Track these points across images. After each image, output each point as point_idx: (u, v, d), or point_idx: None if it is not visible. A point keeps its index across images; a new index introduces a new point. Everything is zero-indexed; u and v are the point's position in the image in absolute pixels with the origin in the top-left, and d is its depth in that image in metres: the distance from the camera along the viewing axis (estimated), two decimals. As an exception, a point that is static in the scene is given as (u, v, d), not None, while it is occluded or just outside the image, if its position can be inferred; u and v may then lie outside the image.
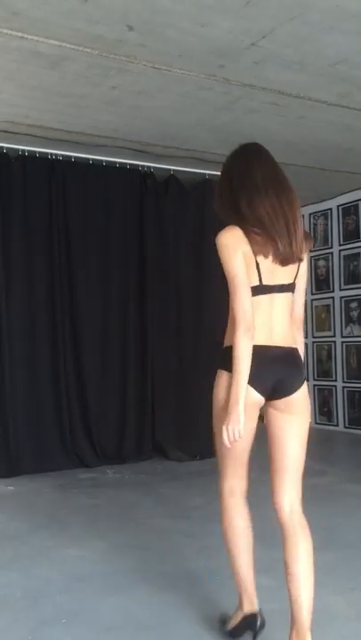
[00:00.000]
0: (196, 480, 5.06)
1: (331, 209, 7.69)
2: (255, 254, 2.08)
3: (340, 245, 7.60)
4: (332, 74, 4.16)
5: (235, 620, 2.31)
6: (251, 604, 2.28)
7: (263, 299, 2.11)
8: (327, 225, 7.76)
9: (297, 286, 2.20)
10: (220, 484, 2.29)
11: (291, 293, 2.18)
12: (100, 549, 3.38)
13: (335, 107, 4.72)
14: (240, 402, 2.03)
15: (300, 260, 2.16)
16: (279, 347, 2.13)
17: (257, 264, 2.09)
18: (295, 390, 2.13)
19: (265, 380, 2.09)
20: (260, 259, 2.09)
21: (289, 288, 2.17)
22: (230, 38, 3.66)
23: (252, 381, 2.05)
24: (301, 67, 4.04)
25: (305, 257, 2.19)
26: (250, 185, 2.18)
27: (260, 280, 2.10)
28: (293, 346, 2.17)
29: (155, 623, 2.49)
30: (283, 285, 2.14)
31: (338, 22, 3.50)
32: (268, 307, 2.12)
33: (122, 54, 3.84)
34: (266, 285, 2.11)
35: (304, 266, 2.20)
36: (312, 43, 3.73)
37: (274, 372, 2.10)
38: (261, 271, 2.09)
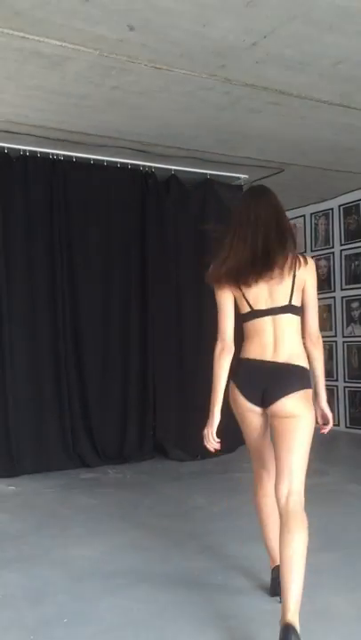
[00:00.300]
0: (197, 480, 5.07)
1: (332, 209, 7.69)
2: (238, 285, 2.44)
3: (341, 245, 7.60)
4: (333, 74, 4.16)
5: (271, 582, 2.70)
6: (273, 562, 2.69)
7: (262, 321, 2.45)
8: (328, 225, 7.75)
9: (302, 306, 2.49)
10: (253, 473, 2.76)
11: (292, 315, 2.45)
12: (102, 549, 3.39)
13: (336, 107, 4.71)
14: (213, 409, 2.59)
15: (293, 283, 2.43)
16: (273, 362, 2.43)
17: (242, 292, 2.46)
18: (279, 399, 2.38)
19: (252, 389, 2.44)
20: (244, 288, 2.45)
21: (286, 310, 2.44)
22: (231, 38, 3.65)
23: (241, 389, 2.49)
24: (302, 67, 4.04)
25: (302, 278, 2.45)
26: (234, 224, 2.54)
27: (250, 306, 2.46)
28: (295, 363, 2.42)
29: (156, 623, 2.49)
30: (275, 308, 2.44)
31: (339, 22, 3.50)
32: (270, 327, 2.45)
33: (123, 54, 3.84)
34: (257, 310, 2.45)
35: (301, 289, 2.47)
36: (313, 43, 3.73)
37: (260, 383, 2.42)
38: (247, 298, 2.45)
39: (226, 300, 2.53)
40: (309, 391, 2.45)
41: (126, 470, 5.44)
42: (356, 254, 7.39)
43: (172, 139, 5.42)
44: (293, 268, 2.43)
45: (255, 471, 2.70)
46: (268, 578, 2.89)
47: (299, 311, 2.49)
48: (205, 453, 5.93)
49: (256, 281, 2.41)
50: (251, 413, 2.51)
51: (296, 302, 2.47)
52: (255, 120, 4.97)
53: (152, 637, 2.39)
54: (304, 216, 8.05)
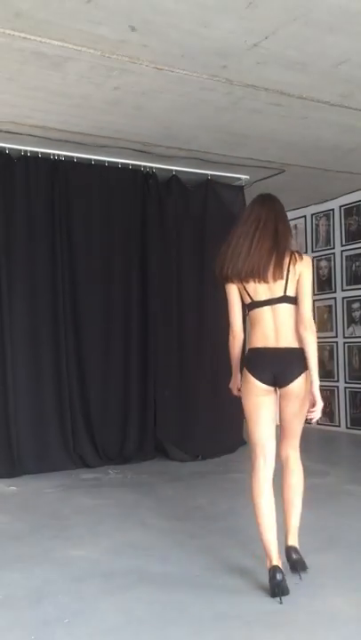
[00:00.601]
0: (197, 480, 5.07)
1: (333, 209, 7.69)
2: (240, 280, 2.83)
3: (342, 246, 7.60)
4: (334, 74, 4.16)
5: (270, 581, 2.73)
6: (270, 560, 2.75)
7: (262, 311, 2.83)
8: (329, 226, 7.76)
9: (296, 296, 2.82)
10: (252, 459, 2.89)
11: (288, 304, 2.82)
12: (102, 549, 3.39)
13: (337, 107, 4.72)
14: (234, 371, 3.08)
15: (287, 277, 2.79)
16: (277, 348, 2.82)
17: (244, 286, 2.85)
18: (290, 382, 2.80)
19: (264, 373, 2.82)
20: (245, 282, 2.83)
21: (282, 300, 2.81)
22: (233, 39, 3.66)
23: (254, 374, 2.84)
24: (304, 67, 4.04)
25: (295, 272, 2.80)
26: (241, 225, 2.92)
27: (251, 297, 2.85)
28: (293, 346, 2.83)
29: (156, 623, 2.49)
30: (273, 299, 2.81)
31: (340, 23, 3.50)
32: (270, 316, 2.83)
33: (124, 55, 3.85)
34: (256, 301, 2.84)
35: (296, 281, 2.81)
36: (314, 43, 3.73)
37: (271, 368, 2.82)
38: (249, 291, 2.84)
39: (232, 294, 2.91)
40: (307, 372, 2.81)
41: (127, 471, 5.44)
42: (357, 255, 7.39)
43: (173, 139, 5.42)
44: (288, 265, 2.79)
45: (253, 462, 2.87)
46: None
47: (294, 300, 2.82)
48: (206, 454, 5.95)
49: (258, 278, 2.78)
50: (262, 395, 2.82)
51: (291, 293, 2.81)
52: (256, 121, 4.98)
53: (152, 638, 2.39)
54: (305, 217, 8.05)
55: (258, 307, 2.84)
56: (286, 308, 2.82)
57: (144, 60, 3.93)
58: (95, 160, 5.80)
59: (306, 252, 7.99)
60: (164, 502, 4.38)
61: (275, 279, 2.78)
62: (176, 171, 6.19)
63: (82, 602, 2.70)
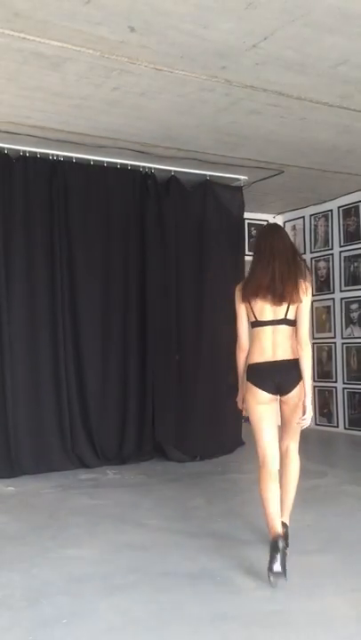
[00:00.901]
0: (196, 481, 5.07)
1: (331, 210, 7.69)
2: (250, 302, 3.22)
3: (340, 247, 7.61)
4: (333, 75, 4.16)
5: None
6: (273, 531, 2.98)
7: (263, 330, 3.20)
8: (328, 226, 7.76)
9: (296, 320, 3.19)
10: (259, 457, 3.21)
11: (286, 326, 3.19)
12: (101, 550, 3.39)
13: (336, 108, 4.72)
14: (240, 387, 3.35)
15: (290, 302, 3.15)
16: (277, 361, 3.18)
17: (251, 307, 3.22)
18: (290, 391, 3.19)
19: (266, 383, 3.18)
20: (253, 303, 3.21)
21: (282, 322, 3.18)
22: (232, 40, 3.66)
23: (258, 385, 3.19)
24: (302, 68, 4.05)
25: (300, 300, 3.16)
26: (255, 255, 3.33)
27: (255, 317, 3.22)
28: (290, 358, 3.18)
29: (155, 623, 2.50)
30: (275, 320, 3.18)
31: (339, 24, 3.50)
32: (270, 334, 3.19)
33: (123, 55, 3.85)
34: (260, 321, 3.20)
35: (295, 306, 3.17)
36: (313, 44, 3.74)
37: (273, 379, 3.19)
38: (255, 311, 3.21)
39: (242, 312, 3.29)
40: (302, 381, 3.18)
41: (125, 471, 5.44)
42: (356, 256, 7.40)
43: (172, 140, 5.43)
44: (299, 294, 3.16)
45: (261, 457, 3.19)
46: (267, 580, 2.90)
47: (292, 323, 3.20)
48: (205, 454, 5.95)
49: (266, 301, 3.17)
50: (266, 403, 3.18)
51: (291, 317, 3.19)
52: (255, 121, 4.98)
53: (151, 638, 2.39)
54: (303, 217, 8.06)
55: (260, 325, 3.22)
56: (285, 329, 3.20)
57: (143, 61, 3.93)
58: (94, 160, 5.80)
59: (304, 253, 8.02)
60: (163, 503, 4.38)
61: (283, 303, 3.16)
62: (175, 171, 6.19)
63: (80, 602, 2.70)
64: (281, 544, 2.87)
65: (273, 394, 3.18)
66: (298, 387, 3.17)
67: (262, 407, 3.16)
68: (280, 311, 3.18)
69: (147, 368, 6.02)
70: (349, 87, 4.36)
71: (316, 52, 3.83)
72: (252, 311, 3.22)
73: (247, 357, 3.26)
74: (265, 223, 8.15)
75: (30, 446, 5.44)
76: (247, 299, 3.23)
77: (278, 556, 2.82)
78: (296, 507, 4.06)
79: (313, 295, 7.63)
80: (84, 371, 5.74)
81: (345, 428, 7.48)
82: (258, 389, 3.16)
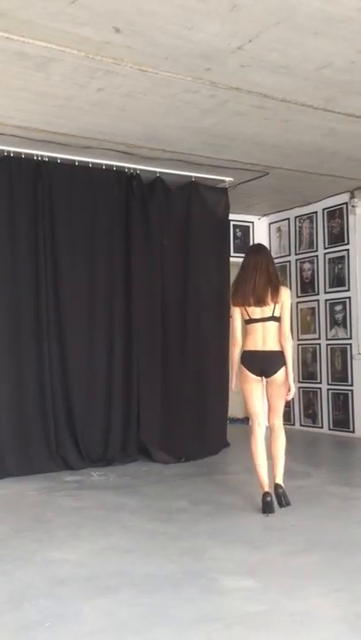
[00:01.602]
0: (181, 482, 5.07)
1: (316, 212, 7.74)
2: (243, 305, 4.15)
3: (325, 248, 7.65)
4: (317, 78, 4.19)
5: (262, 504, 4.04)
6: (263, 488, 4.05)
7: (255, 325, 4.14)
8: (313, 228, 7.80)
9: (280, 317, 4.12)
10: (250, 424, 4.33)
11: (274, 322, 4.11)
12: (85, 552, 3.37)
13: (321, 111, 4.75)
14: (232, 367, 4.30)
15: (274, 303, 4.09)
16: (264, 351, 4.13)
17: (245, 309, 4.15)
18: (274, 373, 4.10)
19: (254, 367, 4.13)
20: (247, 307, 4.14)
21: (270, 319, 4.11)
22: (217, 42, 3.67)
23: (247, 367, 4.15)
24: (287, 71, 4.07)
25: (280, 301, 4.10)
26: (242, 269, 4.25)
27: (249, 316, 4.15)
28: (275, 349, 4.12)
29: (139, 625, 2.49)
30: (263, 318, 4.11)
31: (323, 27, 3.53)
32: (260, 330, 4.12)
33: (108, 56, 3.84)
34: (252, 319, 4.15)
35: (280, 306, 4.11)
36: (298, 47, 3.75)
37: (259, 364, 4.13)
38: (248, 312, 4.14)
39: (237, 314, 4.21)
40: (285, 367, 4.10)
41: (110, 473, 5.43)
42: (340, 257, 7.44)
43: (157, 141, 5.43)
44: (276, 297, 4.09)
45: (251, 425, 4.24)
46: (251, 580, 2.92)
47: (278, 319, 4.13)
48: (190, 456, 5.95)
49: (254, 304, 4.10)
50: (254, 382, 4.16)
51: (276, 314, 4.12)
52: (240, 123, 5.00)
53: (135, 640, 2.39)
54: (288, 219, 8.10)
55: (253, 322, 4.14)
56: (272, 324, 4.12)
57: (128, 62, 3.93)
58: (79, 161, 5.78)
59: (289, 254, 8.07)
60: (147, 504, 4.37)
61: (268, 304, 4.08)
62: (160, 172, 6.20)
63: (64, 605, 2.69)
64: (269, 498, 3.98)
65: (258, 375, 4.14)
66: (281, 371, 4.08)
67: (251, 384, 4.16)
68: (267, 311, 4.10)
69: (132, 369, 6.01)
70: (334, 90, 4.39)
71: (300, 55, 3.85)
72: (246, 312, 4.15)
73: (243, 346, 4.17)
74: (250, 224, 8.22)
75: (14, 448, 5.40)
76: (240, 303, 4.16)
77: (268, 507, 3.95)
78: (280, 507, 4.09)
79: (298, 296, 7.74)
80: (69, 372, 5.72)
81: (329, 429, 7.52)
82: (248, 371, 4.13)
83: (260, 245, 4.54)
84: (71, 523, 3.93)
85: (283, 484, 4.06)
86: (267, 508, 3.98)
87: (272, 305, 4.06)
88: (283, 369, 4.08)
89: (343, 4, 3.29)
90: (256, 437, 4.15)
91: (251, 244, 8.18)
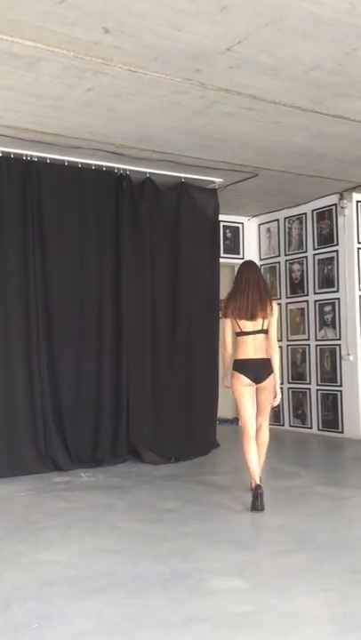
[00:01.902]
0: (170, 483, 5.06)
1: (305, 213, 7.77)
2: (235, 318, 4.47)
3: (314, 250, 7.68)
4: (306, 80, 4.21)
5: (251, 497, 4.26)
6: (254, 481, 4.27)
7: (246, 337, 4.46)
8: (302, 229, 7.83)
9: (268, 330, 4.46)
10: (241, 426, 4.55)
11: (263, 334, 4.46)
12: (73, 553, 3.36)
13: (309, 112, 4.77)
14: (224, 370, 4.67)
15: (263, 317, 4.43)
16: (255, 359, 4.45)
17: (237, 322, 4.47)
18: (264, 380, 4.44)
19: (248, 374, 4.42)
20: (238, 320, 4.46)
21: (260, 332, 4.45)
22: (206, 43, 3.68)
23: (242, 373, 4.42)
24: (276, 72, 4.08)
25: (269, 315, 4.44)
26: (235, 284, 4.61)
27: (240, 328, 4.47)
28: (265, 357, 4.46)
29: (127, 627, 2.49)
30: (255, 331, 4.44)
31: (312, 29, 3.54)
32: (252, 341, 4.45)
33: (97, 56, 3.84)
34: (244, 331, 4.46)
35: (268, 320, 4.45)
36: (286, 49, 3.77)
37: (252, 371, 4.43)
38: (240, 325, 4.46)
39: (228, 325, 4.55)
40: (273, 374, 4.45)
41: (99, 474, 5.41)
42: (329, 259, 7.47)
43: (146, 141, 5.43)
44: (266, 312, 4.44)
45: (243, 426, 4.49)
46: (240, 580, 2.93)
47: (266, 332, 4.47)
48: (180, 456, 5.95)
49: (246, 319, 4.43)
50: (247, 387, 4.45)
51: (265, 327, 4.47)
52: (229, 124, 5.01)
53: (123, 641, 2.38)
54: (278, 220, 8.12)
55: (244, 335, 4.47)
56: (262, 336, 4.48)
57: (117, 62, 3.93)
58: (68, 161, 5.77)
59: (279, 256, 8.10)
60: (136, 505, 4.37)
61: (258, 319, 4.44)
62: (150, 173, 6.19)
63: (51, 606, 2.68)
64: (260, 490, 4.16)
65: (251, 381, 4.45)
66: (270, 378, 4.44)
67: (243, 389, 4.44)
68: (258, 324, 4.46)
69: (121, 370, 6.00)
70: (322, 91, 4.41)
71: (289, 57, 3.87)
72: (238, 325, 4.47)
73: (235, 355, 4.50)
74: (240, 225, 8.24)
75: (3, 449, 5.37)
76: (232, 316, 4.47)
77: (258, 500, 4.12)
78: (269, 507, 4.10)
79: (288, 297, 7.83)
80: (58, 373, 5.70)
81: (319, 430, 7.55)
82: (241, 377, 4.43)
83: (251, 262, 4.85)
84: (60, 524, 3.92)
85: (261, 482, 4.29)
86: (257, 501, 4.15)
87: (261, 320, 4.43)
88: (272, 376, 4.43)
89: (332, 7, 3.31)
90: (248, 436, 4.42)
91: (241, 244, 8.25)
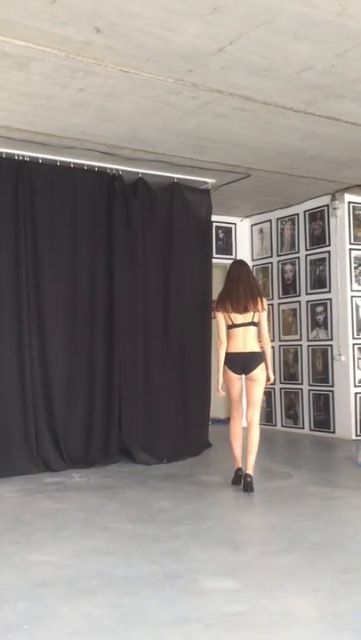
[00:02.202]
0: (162, 483, 5.06)
1: (298, 214, 7.79)
2: (227, 312, 4.78)
3: (306, 250, 7.70)
4: (298, 81, 4.22)
5: (234, 476, 4.85)
6: (238, 465, 4.82)
7: (237, 330, 4.76)
8: (294, 230, 7.85)
9: (259, 323, 4.80)
10: (231, 415, 5.00)
11: (253, 327, 4.77)
12: (65, 554, 3.35)
13: (301, 113, 4.78)
14: (218, 373, 4.89)
15: (254, 311, 4.75)
16: (245, 352, 4.75)
17: (229, 315, 4.77)
18: (252, 371, 4.72)
19: (236, 367, 4.75)
20: (230, 312, 4.77)
21: (250, 324, 4.76)
22: (198, 43, 3.68)
23: (230, 367, 4.77)
24: (268, 73, 4.09)
25: (260, 309, 4.78)
26: (226, 280, 4.98)
27: (232, 321, 4.77)
28: (255, 350, 4.76)
29: (119, 627, 2.48)
30: (245, 323, 4.75)
31: (304, 30, 3.55)
32: (242, 333, 4.75)
33: (89, 56, 3.84)
34: (235, 324, 4.76)
35: (259, 314, 4.78)
36: (278, 50, 3.78)
37: (240, 364, 4.74)
38: (231, 318, 4.77)
39: (222, 319, 4.81)
40: (263, 364, 4.76)
41: (91, 474, 5.41)
42: (321, 259, 7.50)
43: (139, 142, 5.43)
44: (257, 306, 4.76)
45: (232, 414, 4.94)
46: (232, 580, 2.93)
47: (257, 325, 4.78)
48: (172, 456, 5.96)
49: (237, 311, 4.75)
50: (235, 379, 4.78)
51: (256, 320, 4.78)
52: (222, 125, 5.01)
53: (114, 642, 2.38)
54: (270, 221, 8.14)
55: (235, 327, 4.76)
56: (252, 329, 4.78)
57: (109, 63, 3.92)
58: (61, 161, 5.76)
59: (271, 256, 8.11)
60: (128, 506, 4.36)
61: (249, 312, 4.74)
62: (142, 173, 6.19)
63: (43, 607, 2.67)
64: (240, 472, 4.72)
65: (239, 374, 4.77)
66: (258, 369, 4.71)
67: (233, 380, 4.78)
68: (248, 317, 4.75)
69: (113, 370, 6.00)
70: (314, 93, 4.42)
71: (281, 58, 3.88)
72: (229, 318, 4.76)
73: (226, 348, 4.76)
74: (232, 226, 8.25)
75: (-6, 450, 5.36)
76: (224, 310, 4.76)
77: (240, 483, 4.64)
78: (261, 507, 4.11)
79: (280, 297, 7.90)
80: (50, 373, 5.69)
81: (310, 430, 7.57)
82: (229, 371, 4.76)
83: (241, 261, 5.25)
84: (51, 524, 3.91)
85: (252, 475, 4.63)
86: (237, 480, 4.74)
87: (252, 313, 4.72)
88: (261, 366, 4.73)
89: (323, 8, 3.32)
90: (235, 424, 4.82)
91: (233, 245, 8.26)
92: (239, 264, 5.03)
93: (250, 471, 4.62)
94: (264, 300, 4.83)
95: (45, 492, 4.78)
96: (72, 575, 3.04)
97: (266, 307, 4.83)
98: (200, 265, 6.63)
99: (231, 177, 6.44)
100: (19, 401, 5.51)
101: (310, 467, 5.88)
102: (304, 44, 3.70)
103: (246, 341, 4.71)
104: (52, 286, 5.74)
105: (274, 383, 5.18)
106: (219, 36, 3.61)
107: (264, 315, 4.80)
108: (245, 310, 4.70)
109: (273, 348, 8.05)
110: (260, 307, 4.74)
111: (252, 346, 4.71)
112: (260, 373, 4.72)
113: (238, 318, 4.71)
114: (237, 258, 8.16)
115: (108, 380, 5.98)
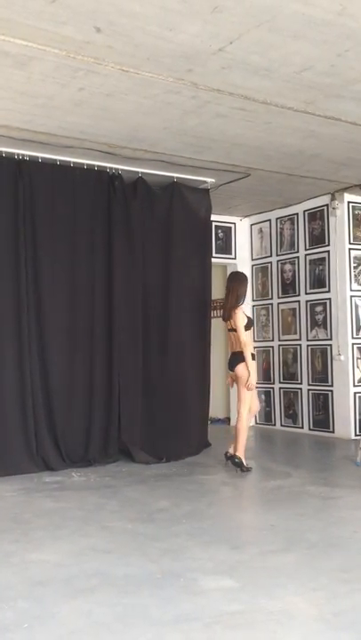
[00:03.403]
0: (161, 482, 5.07)
1: (297, 214, 7.79)
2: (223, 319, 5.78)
3: (305, 250, 7.70)
4: (297, 81, 4.22)
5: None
6: (227, 449, 5.72)
7: (229, 334, 5.67)
8: (293, 230, 7.85)
9: (236, 330, 5.52)
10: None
11: (234, 332, 5.54)
12: (64, 553, 3.36)
13: (301, 113, 4.79)
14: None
15: (230, 320, 5.55)
16: (231, 352, 5.61)
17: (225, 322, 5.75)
18: (234, 368, 5.50)
19: (229, 365, 5.63)
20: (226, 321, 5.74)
21: (231, 330, 5.58)
22: (198, 43, 3.68)
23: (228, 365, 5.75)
24: (268, 73, 4.09)
25: (233, 318, 5.52)
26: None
27: (227, 327, 5.71)
28: (236, 350, 5.54)
29: (118, 626, 2.49)
30: (229, 329, 5.61)
31: (304, 30, 3.55)
32: (230, 337, 5.65)
33: (89, 56, 3.84)
34: (228, 329, 5.67)
35: (234, 322, 5.52)
36: (278, 50, 3.78)
37: (229, 362, 5.63)
38: (226, 324, 5.70)
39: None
40: (244, 363, 5.44)
41: (91, 473, 5.41)
42: (321, 259, 7.50)
43: (139, 141, 5.43)
44: (230, 316, 5.57)
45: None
46: (231, 579, 2.94)
47: (234, 330, 5.52)
48: (171, 456, 5.96)
49: (224, 320, 5.68)
50: (230, 375, 5.68)
51: (234, 327, 5.52)
52: (221, 125, 5.01)
53: (113, 641, 2.38)
54: (270, 220, 8.14)
55: (228, 332, 5.65)
56: (234, 335, 5.55)
57: (109, 62, 3.92)
58: (60, 161, 5.76)
59: (270, 256, 8.12)
60: (128, 505, 4.37)
61: (228, 320, 5.59)
62: (142, 173, 6.19)
63: (42, 606, 2.68)
64: (229, 455, 5.55)
65: (230, 370, 5.60)
66: (239, 367, 5.45)
67: (231, 377, 5.71)
68: (229, 325, 5.60)
69: (113, 369, 6.00)
70: (314, 92, 4.42)
71: (281, 57, 3.88)
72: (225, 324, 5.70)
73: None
74: (232, 225, 8.25)
75: (-7, 449, 5.36)
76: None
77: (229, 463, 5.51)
78: (260, 507, 4.12)
79: (279, 297, 7.86)
80: (49, 373, 5.69)
81: (309, 429, 7.57)
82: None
83: (234, 272, 5.95)
84: (50, 523, 3.91)
85: (240, 456, 5.41)
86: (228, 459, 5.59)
87: (230, 320, 5.57)
88: (241, 364, 5.44)
89: (323, 8, 3.32)
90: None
91: (232, 244, 8.28)
92: (231, 275, 5.87)
93: (237, 453, 5.42)
94: (234, 310, 5.54)
95: (45, 492, 4.78)
96: (71, 574, 3.04)
97: (237, 316, 5.50)
98: (199, 264, 6.63)
99: (231, 176, 6.44)
100: (18, 400, 5.52)
101: (309, 466, 5.88)
102: (304, 43, 3.71)
103: (232, 344, 5.63)
104: (51, 286, 5.74)
105: (251, 381, 5.50)
106: (219, 36, 3.61)
107: (237, 322, 5.50)
108: (226, 319, 5.63)
109: (272, 348, 8.07)
110: (232, 315, 5.53)
111: (235, 347, 5.56)
112: (239, 370, 5.46)
113: (227, 325, 5.65)
114: (237, 258, 8.22)
115: (107, 380, 5.99)
